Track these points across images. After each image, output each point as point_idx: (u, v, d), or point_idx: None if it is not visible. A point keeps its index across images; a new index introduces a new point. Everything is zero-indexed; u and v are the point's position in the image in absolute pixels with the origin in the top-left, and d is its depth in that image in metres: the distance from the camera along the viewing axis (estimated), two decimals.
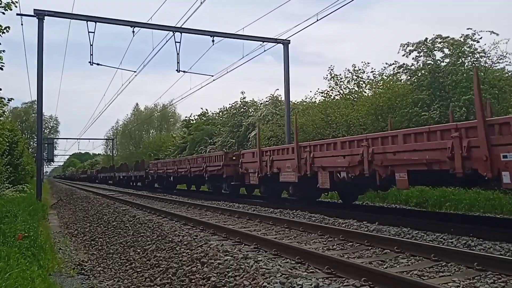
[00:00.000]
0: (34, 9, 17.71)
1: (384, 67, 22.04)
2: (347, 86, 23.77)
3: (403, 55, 20.14)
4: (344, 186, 11.48)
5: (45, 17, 17.87)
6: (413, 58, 20.06)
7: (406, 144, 8.73)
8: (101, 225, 12.04)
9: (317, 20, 15.87)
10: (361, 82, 23.54)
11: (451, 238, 7.11)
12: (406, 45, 19.89)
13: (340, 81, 23.66)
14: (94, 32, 18.15)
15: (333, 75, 23.72)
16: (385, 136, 9.48)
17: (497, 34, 17.60)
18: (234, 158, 17.04)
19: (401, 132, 9.27)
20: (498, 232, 7.11)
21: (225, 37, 20.40)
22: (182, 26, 18.91)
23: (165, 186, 26.40)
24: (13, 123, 31.05)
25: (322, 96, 24.70)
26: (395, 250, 6.36)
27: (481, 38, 18.15)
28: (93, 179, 57.10)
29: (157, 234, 8.50)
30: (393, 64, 20.95)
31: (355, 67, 23.42)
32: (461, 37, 18.56)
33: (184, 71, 20.59)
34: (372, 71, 23.19)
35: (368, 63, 23.91)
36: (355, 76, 23.46)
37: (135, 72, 21.97)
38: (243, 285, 4.68)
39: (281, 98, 30.25)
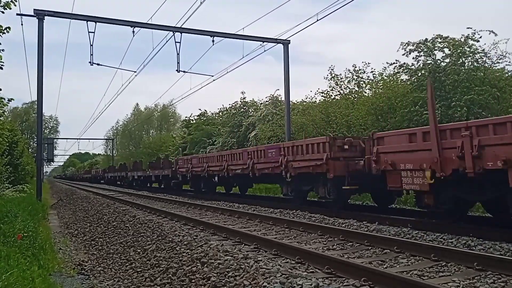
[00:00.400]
0: (34, 9, 17.71)
1: (385, 67, 22.05)
2: (347, 86, 23.77)
3: (403, 54, 20.14)
4: None
5: (45, 17, 17.87)
6: (413, 58, 20.07)
7: None
8: (101, 225, 12.05)
9: (317, 20, 15.86)
10: (361, 82, 23.53)
11: (451, 238, 7.11)
12: (406, 44, 19.88)
13: (341, 81, 23.66)
14: (94, 32, 18.17)
15: (333, 75, 23.72)
16: None
17: (496, 34, 17.60)
18: (346, 147, 11.66)
19: None
20: (498, 232, 7.11)
21: (225, 37, 20.40)
22: (182, 26, 18.92)
23: (203, 188, 20.51)
24: (13, 123, 31.05)
25: (322, 96, 24.72)
26: (395, 250, 6.37)
27: (480, 37, 18.16)
28: (98, 179, 51.88)
29: (157, 234, 8.50)
30: (394, 63, 20.94)
31: (356, 67, 23.42)
32: (462, 37, 18.56)
33: (184, 71, 20.60)
34: (372, 71, 23.19)
35: (368, 63, 23.85)
36: (355, 76, 23.45)
37: (135, 72, 22.00)
38: (243, 285, 4.69)
39: (281, 98, 30.27)
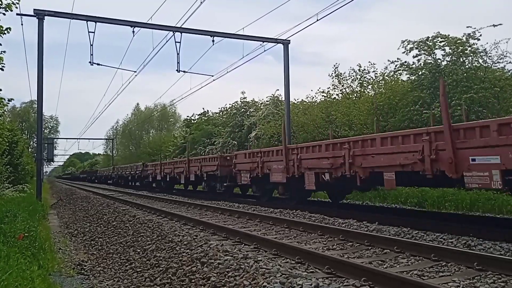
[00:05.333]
0: (34, 9, 17.69)
1: (386, 66, 22.05)
2: (350, 85, 23.76)
3: (403, 52, 20.14)
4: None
5: (45, 17, 17.85)
6: (413, 57, 20.07)
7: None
8: (101, 225, 12.04)
9: (317, 20, 15.80)
10: (364, 82, 23.50)
11: (451, 238, 7.10)
12: (406, 42, 19.86)
13: (344, 80, 23.65)
14: (94, 32, 18.15)
15: (337, 73, 23.70)
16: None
17: (501, 24, 17.59)
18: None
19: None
20: (498, 232, 7.11)
21: (225, 37, 20.37)
22: (182, 26, 18.90)
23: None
24: (13, 123, 31.01)
25: (323, 95, 24.71)
26: (395, 250, 6.36)
27: (480, 35, 18.15)
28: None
29: (157, 234, 8.50)
30: (395, 61, 20.91)
31: (360, 66, 23.37)
32: (463, 36, 18.55)
33: (184, 71, 20.57)
34: (374, 71, 23.17)
35: (374, 64, 23.80)
36: (359, 75, 23.42)
37: (135, 72, 21.99)
38: (243, 285, 4.68)
39: (281, 98, 30.24)
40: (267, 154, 14.43)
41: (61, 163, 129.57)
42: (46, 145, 29.29)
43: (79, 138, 66.89)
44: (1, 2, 9.35)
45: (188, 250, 6.62)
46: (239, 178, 16.13)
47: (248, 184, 15.91)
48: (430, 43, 19.41)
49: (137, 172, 30.89)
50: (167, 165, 25.59)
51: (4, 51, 9.98)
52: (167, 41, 19.50)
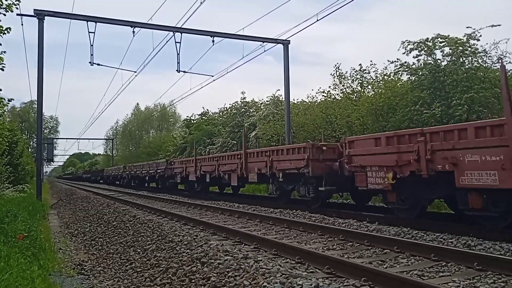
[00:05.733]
0: (34, 9, 17.73)
1: (386, 66, 22.03)
2: (350, 85, 23.73)
3: (403, 53, 20.13)
4: None
5: (45, 17, 17.88)
6: (413, 57, 20.07)
7: None
8: (101, 225, 12.05)
9: (317, 20, 15.85)
10: (364, 82, 23.46)
11: (451, 238, 7.10)
12: (407, 43, 19.85)
13: (345, 80, 23.63)
14: (94, 32, 18.18)
15: (338, 72, 23.68)
16: None
17: (500, 25, 17.57)
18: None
19: None
20: (498, 232, 7.11)
21: (225, 37, 20.39)
22: (182, 26, 18.92)
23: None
24: (13, 123, 31.02)
25: (323, 95, 24.71)
26: (395, 250, 6.37)
27: (480, 36, 18.14)
28: None
29: (157, 234, 8.51)
30: (395, 61, 20.90)
31: (361, 66, 23.33)
32: (465, 36, 18.55)
33: (184, 71, 20.60)
34: (374, 71, 23.14)
35: (374, 64, 23.64)
36: (359, 75, 23.38)
37: (135, 72, 22.02)
38: (243, 285, 4.68)
39: (281, 98, 30.23)
40: (445, 136, 7.94)
41: (61, 163, 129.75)
42: (46, 145, 29.33)
43: (79, 138, 67.13)
44: (2, 2, 9.37)
45: (188, 250, 6.62)
46: (362, 179, 9.89)
47: (386, 189, 9.38)
48: (430, 44, 19.40)
49: (159, 171, 26.13)
50: (207, 161, 19.89)
51: (4, 51, 9.99)
52: (167, 41, 19.55)
